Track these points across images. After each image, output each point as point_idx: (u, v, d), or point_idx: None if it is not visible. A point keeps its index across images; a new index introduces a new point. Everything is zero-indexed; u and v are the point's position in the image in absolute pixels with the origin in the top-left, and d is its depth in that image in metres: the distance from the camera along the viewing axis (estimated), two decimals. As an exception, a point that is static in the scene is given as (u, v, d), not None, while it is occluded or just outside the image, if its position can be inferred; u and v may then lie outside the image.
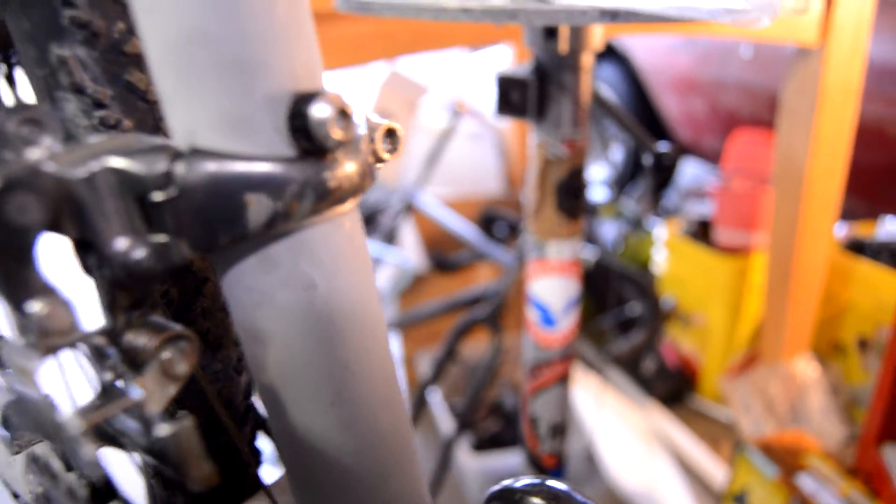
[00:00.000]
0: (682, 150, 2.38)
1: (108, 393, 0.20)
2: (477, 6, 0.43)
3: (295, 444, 0.24)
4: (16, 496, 0.30)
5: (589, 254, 1.50)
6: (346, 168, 0.21)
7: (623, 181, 2.40)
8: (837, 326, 1.51)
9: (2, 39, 0.50)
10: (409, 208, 1.80)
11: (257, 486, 0.34)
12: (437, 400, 1.55)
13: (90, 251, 0.20)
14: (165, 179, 0.20)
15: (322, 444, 0.24)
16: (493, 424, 1.50)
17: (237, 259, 0.22)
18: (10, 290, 0.18)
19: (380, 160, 0.23)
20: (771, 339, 1.45)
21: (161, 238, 0.20)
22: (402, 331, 1.67)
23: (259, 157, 0.20)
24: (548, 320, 0.72)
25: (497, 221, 1.73)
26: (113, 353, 0.20)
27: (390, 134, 0.23)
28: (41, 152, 0.19)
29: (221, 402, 0.30)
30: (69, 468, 0.23)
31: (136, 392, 0.19)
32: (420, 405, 1.48)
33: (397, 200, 1.82)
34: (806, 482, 1.10)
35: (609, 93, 2.49)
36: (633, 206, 1.99)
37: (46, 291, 0.19)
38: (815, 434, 1.37)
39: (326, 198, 0.21)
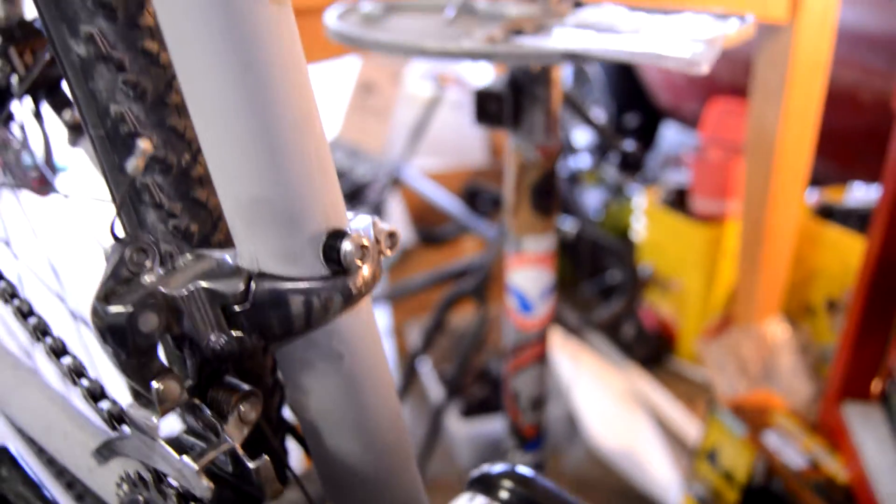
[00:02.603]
0: (645, 149, 2.39)
1: (201, 437, 0.29)
2: (455, 49, 0.48)
3: (327, 455, 0.33)
4: None
5: (570, 226, 1.55)
6: (363, 274, 0.29)
7: (604, 147, 2.43)
8: (808, 289, 1.57)
9: (33, 85, 0.54)
10: (396, 182, 1.84)
11: (286, 478, 0.42)
12: (426, 369, 1.62)
13: (184, 340, 0.28)
14: (242, 296, 0.27)
15: (347, 456, 0.33)
16: (481, 390, 1.57)
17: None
18: (141, 375, 0.26)
19: (384, 255, 0.31)
20: (744, 303, 1.52)
21: (238, 333, 0.28)
22: (391, 302, 1.73)
23: (304, 277, 0.28)
24: (525, 306, 0.78)
25: (481, 195, 1.77)
26: (205, 408, 0.28)
27: (391, 235, 0.31)
28: (154, 277, 0.27)
29: (263, 417, 0.38)
30: (159, 483, 0.31)
31: (228, 439, 0.28)
32: (410, 374, 1.54)
33: (384, 174, 1.85)
34: (771, 439, 1.19)
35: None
36: (614, 173, 2.03)
37: (163, 372, 0.27)
38: (784, 392, 1.45)
39: (350, 299, 0.29)
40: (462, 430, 1.43)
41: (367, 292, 0.29)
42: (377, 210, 1.83)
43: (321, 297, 0.28)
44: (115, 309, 0.25)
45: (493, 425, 1.42)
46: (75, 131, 0.58)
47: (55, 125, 0.59)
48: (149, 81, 0.30)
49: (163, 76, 0.30)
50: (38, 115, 0.58)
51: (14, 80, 0.54)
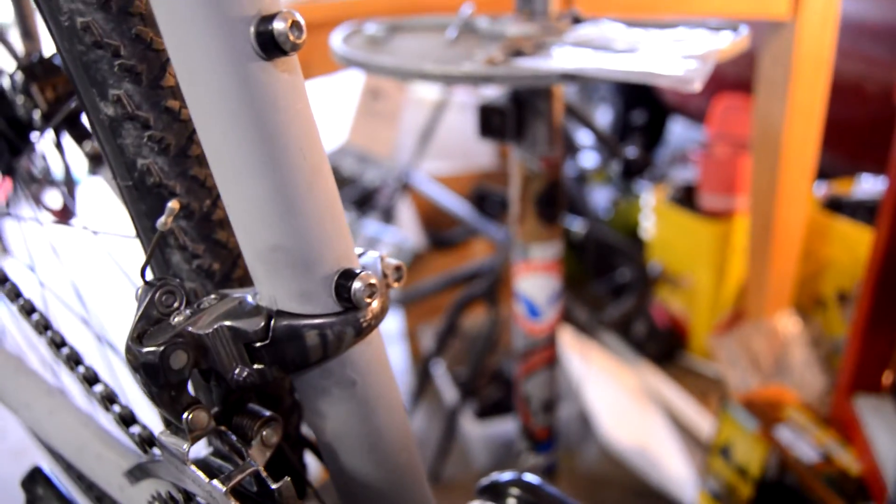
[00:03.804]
0: (649, 159, 2.39)
1: (227, 458, 0.31)
2: (456, 72, 0.50)
3: (344, 472, 0.35)
4: None
5: (579, 225, 1.57)
6: (373, 308, 0.31)
7: (608, 154, 2.43)
8: (818, 282, 1.58)
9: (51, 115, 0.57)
10: (405, 186, 1.86)
11: (304, 489, 0.44)
12: (440, 371, 1.64)
13: (210, 373, 0.31)
14: (263, 333, 0.30)
15: (362, 473, 0.35)
16: (495, 391, 1.59)
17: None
18: (173, 408, 0.28)
19: (391, 287, 0.33)
20: (754, 297, 1.52)
21: (259, 366, 0.30)
22: (404, 307, 1.75)
23: (319, 314, 0.30)
24: (534, 312, 0.80)
25: (489, 198, 1.79)
26: (230, 434, 0.31)
27: (398, 269, 0.33)
28: (182, 318, 0.29)
29: (283, 436, 0.40)
30: (188, 502, 0.34)
31: (252, 463, 0.30)
32: (424, 377, 1.56)
33: (393, 179, 1.87)
34: (784, 433, 1.20)
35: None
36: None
37: (193, 403, 0.29)
38: (796, 386, 1.45)
39: (361, 332, 0.31)
40: (477, 431, 1.45)
41: (377, 324, 0.32)
42: (387, 215, 1.85)
43: (334, 331, 0.30)
44: (147, 348, 0.28)
45: (508, 426, 1.44)
46: (95, 161, 0.60)
47: (75, 155, 0.61)
48: (172, 136, 0.32)
49: (184, 131, 0.33)
50: (59, 147, 0.60)
51: (36, 114, 0.57)
